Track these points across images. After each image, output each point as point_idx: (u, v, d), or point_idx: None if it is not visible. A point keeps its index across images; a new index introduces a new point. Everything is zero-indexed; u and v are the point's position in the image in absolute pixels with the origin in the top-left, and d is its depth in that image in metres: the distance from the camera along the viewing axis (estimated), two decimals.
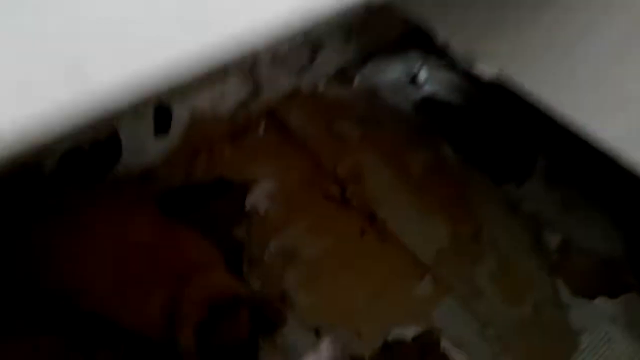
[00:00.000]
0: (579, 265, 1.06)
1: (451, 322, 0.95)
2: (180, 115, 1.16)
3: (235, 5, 0.30)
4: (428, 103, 1.30)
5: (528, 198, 1.16)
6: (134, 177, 1.10)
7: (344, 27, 1.27)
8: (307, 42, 1.23)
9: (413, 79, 1.33)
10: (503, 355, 0.92)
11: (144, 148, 1.14)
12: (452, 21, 0.68)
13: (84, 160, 0.97)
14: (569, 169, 1.21)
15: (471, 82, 1.30)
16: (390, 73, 1.32)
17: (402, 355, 0.92)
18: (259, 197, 1.12)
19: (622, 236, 1.10)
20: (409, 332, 0.95)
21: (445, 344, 0.93)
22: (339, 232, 1.08)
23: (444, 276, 1.01)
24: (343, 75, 1.28)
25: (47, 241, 0.75)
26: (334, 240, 1.06)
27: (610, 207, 1.14)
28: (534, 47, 0.63)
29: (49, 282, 0.75)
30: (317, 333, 0.94)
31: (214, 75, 1.07)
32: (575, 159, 1.22)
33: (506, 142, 1.26)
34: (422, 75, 1.33)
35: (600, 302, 1.00)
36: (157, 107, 1.06)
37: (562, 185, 1.19)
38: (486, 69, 0.67)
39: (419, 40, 1.30)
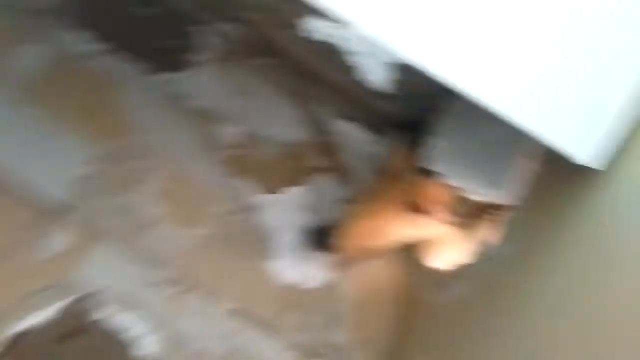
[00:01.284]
0: (263, 157, 0.90)
1: (107, 278, 0.68)
2: None
3: None
4: None
5: (192, 89, 0.92)
6: None
7: None
8: None
9: None
10: (186, 298, 0.71)
11: None
12: None
13: None
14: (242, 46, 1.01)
15: None
16: None
17: (37, 348, 0.61)
18: None
19: (306, 117, 0.98)
20: (45, 313, 0.63)
21: (103, 311, 0.66)
22: None
23: (88, 217, 0.71)
24: None
25: None
26: None
27: (292, 86, 1.01)
28: None
29: None
30: None
31: None
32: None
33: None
34: None
35: (289, 194, 0.87)
36: None
37: (235, 67, 0.98)
38: None
39: None
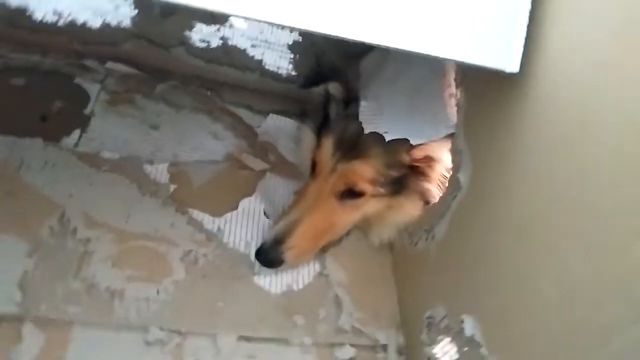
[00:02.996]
0: (202, 182, 0.86)
1: (92, 357, 0.63)
2: None
3: None
4: None
5: (103, 141, 0.86)
6: None
7: None
8: None
9: None
10: (189, 344, 0.67)
11: None
12: None
13: None
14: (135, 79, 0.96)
15: None
16: None
17: None
18: None
19: (231, 126, 0.95)
20: None
21: None
22: None
23: (50, 308, 0.65)
24: None
25: None
26: None
27: (200, 101, 0.97)
28: None
29: None
30: None
31: None
32: None
33: None
34: None
35: (242, 206, 0.84)
36: None
37: (134, 104, 0.93)
38: None
39: None
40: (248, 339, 0.69)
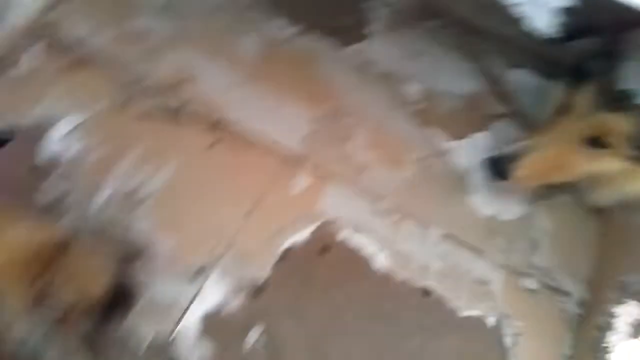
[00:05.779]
0: (444, 109, 1.00)
1: (341, 208, 0.84)
2: None
3: None
4: None
5: (374, 57, 1.05)
6: None
7: None
8: None
9: None
10: (403, 225, 0.84)
11: None
12: None
13: None
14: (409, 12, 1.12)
15: None
16: None
17: (300, 259, 0.78)
18: (61, 140, 0.83)
19: (478, 70, 1.06)
20: (302, 234, 0.81)
21: (342, 233, 0.82)
22: (183, 151, 0.86)
23: (319, 164, 0.87)
24: None
25: None
26: (179, 164, 0.85)
27: (460, 43, 1.09)
28: None
29: None
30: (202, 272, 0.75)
31: None
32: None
33: None
34: None
35: (474, 138, 0.96)
36: None
37: (406, 33, 1.10)
38: None
39: None
40: (453, 237, 0.83)
